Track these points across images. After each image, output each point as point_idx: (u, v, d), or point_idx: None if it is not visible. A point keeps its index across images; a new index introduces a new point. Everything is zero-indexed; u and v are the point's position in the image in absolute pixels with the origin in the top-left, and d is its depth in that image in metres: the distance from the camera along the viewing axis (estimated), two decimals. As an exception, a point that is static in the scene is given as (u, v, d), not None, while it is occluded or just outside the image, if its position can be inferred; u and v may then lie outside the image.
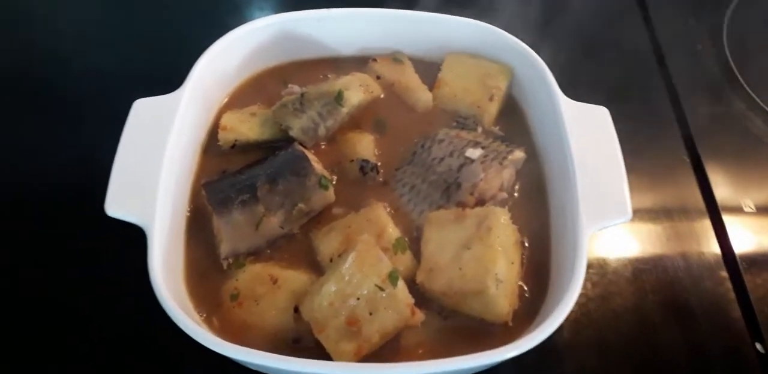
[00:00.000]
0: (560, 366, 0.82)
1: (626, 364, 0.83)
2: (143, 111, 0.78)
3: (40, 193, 0.92)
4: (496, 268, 0.68)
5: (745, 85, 1.13)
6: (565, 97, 0.82)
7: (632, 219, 0.94)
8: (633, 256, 0.92)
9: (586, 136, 0.77)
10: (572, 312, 0.84)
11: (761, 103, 1.10)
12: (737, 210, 0.97)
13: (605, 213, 0.72)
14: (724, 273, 0.91)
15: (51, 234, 0.89)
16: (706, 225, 0.96)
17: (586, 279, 0.87)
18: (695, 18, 1.23)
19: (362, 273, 0.67)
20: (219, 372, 0.78)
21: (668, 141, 1.07)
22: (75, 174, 0.92)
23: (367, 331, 0.66)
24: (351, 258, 0.67)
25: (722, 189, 1.00)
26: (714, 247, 0.94)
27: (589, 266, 0.89)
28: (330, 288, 0.66)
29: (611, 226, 0.73)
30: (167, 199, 0.74)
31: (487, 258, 0.68)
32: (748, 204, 0.99)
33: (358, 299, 0.66)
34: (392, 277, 0.67)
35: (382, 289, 0.66)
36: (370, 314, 0.66)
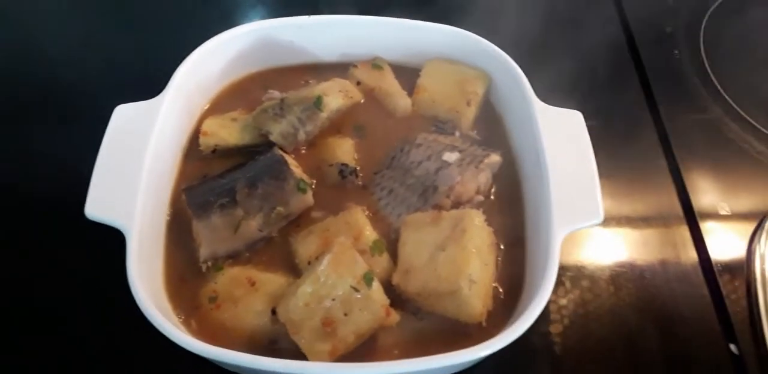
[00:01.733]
0: (536, 369, 0.83)
1: (603, 367, 0.84)
2: (124, 116, 0.79)
3: (20, 197, 0.93)
4: (470, 269, 0.69)
5: (722, 91, 1.15)
6: (539, 101, 0.83)
7: (610, 225, 0.97)
8: (611, 261, 0.93)
9: (560, 140, 0.79)
10: (550, 315, 0.86)
11: (738, 109, 1.12)
12: (714, 215, 0.99)
13: (577, 215, 0.73)
14: (700, 277, 0.92)
15: (29, 239, 0.90)
16: (684, 230, 0.97)
17: (564, 283, 0.89)
18: (672, 24, 1.26)
19: (337, 274, 0.67)
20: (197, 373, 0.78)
21: (645, 146, 1.09)
22: (56, 178, 0.92)
23: (342, 332, 0.66)
24: (327, 259, 0.68)
25: (699, 195, 1.01)
26: (691, 252, 0.95)
27: (566, 270, 0.91)
28: (306, 289, 0.67)
29: (585, 228, 0.74)
30: (147, 203, 0.74)
31: (461, 260, 0.69)
32: (725, 210, 1.00)
33: (334, 300, 0.67)
34: (367, 278, 0.68)
35: (357, 290, 0.67)
36: (345, 315, 0.67)
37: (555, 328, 0.85)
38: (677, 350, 0.85)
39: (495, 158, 0.83)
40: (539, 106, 0.82)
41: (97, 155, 0.76)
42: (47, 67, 1.10)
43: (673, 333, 0.86)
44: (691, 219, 0.99)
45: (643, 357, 0.84)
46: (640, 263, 0.93)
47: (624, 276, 0.92)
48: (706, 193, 1.02)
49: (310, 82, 0.94)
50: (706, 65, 1.19)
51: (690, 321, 0.87)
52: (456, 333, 0.72)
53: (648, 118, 1.12)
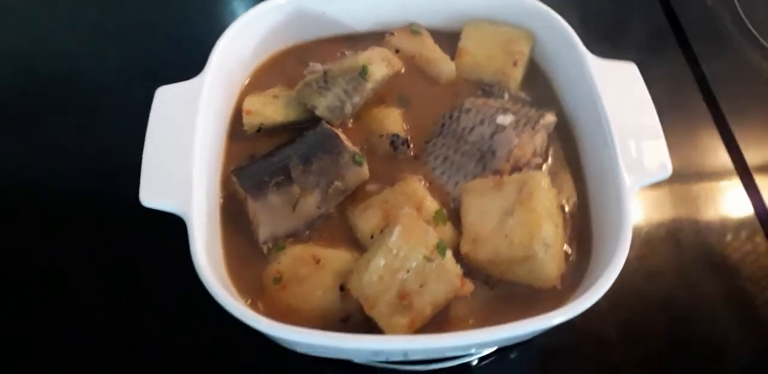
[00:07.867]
0: (602, 324, 0.83)
1: (667, 320, 0.83)
2: (167, 98, 0.76)
3: (73, 193, 0.91)
4: (543, 233, 0.67)
5: (758, 36, 1.12)
6: (592, 55, 0.80)
7: (660, 182, 0.94)
8: (665, 219, 0.91)
9: (617, 93, 0.76)
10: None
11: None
12: (766, 163, 0.97)
13: (646, 170, 0.71)
14: (759, 229, 0.90)
15: (89, 232, 0.88)
16: (736, 180, 0.96)
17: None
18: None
19: (409, 245, 0.66)
20: (266, 357, 0.78)
21: (686, 96, 1.06)
22: (104, 170, 0.91)
23: (419, 304, 0.65)
24: (397, 231, 0.66)
25: (748, 144, 0.99)
26: (746, 204, 0.93)
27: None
28: (378, 262, 0.65)
29: (651, 184, 0.72)
30: (201, 186, 0.72)
31: (533, 224, 0.68)
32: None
33: (408, 272, 0.65)
34: (440, 248, 0.66)
35: (430, 261, 0.66)
36: (421, 286, 0.65)
37: (619, 286, 0.84)
38: (741, 303, 0.84)
39: (550, 118, 0.80)
40: (592, 60, 0.79)
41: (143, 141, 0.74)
42: (74, 58, 1.06)
43: (737, 287, 0.85)
44: (743, 169, 0.97)
45: (706, 309, 0.83)
46: (696, 218, 0.92)
47: (682, 233, 0.90)
48: (755, 141, 1.00)
49: (346, 53, 0.91)
50: (739, 9, 1.15)
51: (753, 274, 0.86)
52: (528, 298, 0.70)
53: (686, 66, 1.09)
